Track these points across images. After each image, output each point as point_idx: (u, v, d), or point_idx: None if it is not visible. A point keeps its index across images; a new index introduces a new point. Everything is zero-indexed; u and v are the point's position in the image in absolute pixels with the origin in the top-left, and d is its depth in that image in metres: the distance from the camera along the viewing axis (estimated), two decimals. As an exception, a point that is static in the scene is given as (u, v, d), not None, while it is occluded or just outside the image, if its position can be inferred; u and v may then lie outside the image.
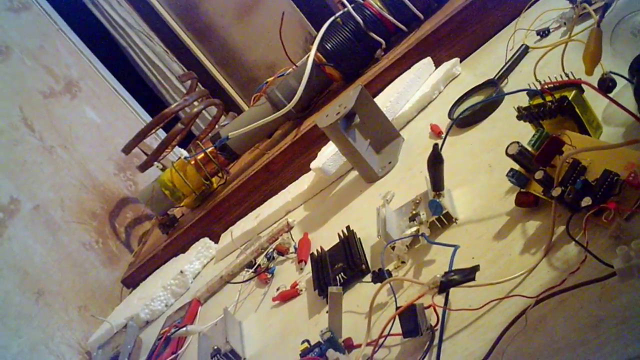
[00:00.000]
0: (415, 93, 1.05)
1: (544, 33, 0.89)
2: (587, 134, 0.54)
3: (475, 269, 0.48)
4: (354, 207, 0.90)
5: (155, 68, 2.98)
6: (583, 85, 0.54)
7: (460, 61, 1.09)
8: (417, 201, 0.69)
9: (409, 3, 1.17)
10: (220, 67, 2.91)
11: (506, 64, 0.87)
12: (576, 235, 0.44)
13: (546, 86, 0.56)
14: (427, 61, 1.10)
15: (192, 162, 1.27)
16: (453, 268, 0.50)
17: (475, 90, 0.89)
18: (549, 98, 0.55)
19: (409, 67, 1.12)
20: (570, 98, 0.53)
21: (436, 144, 0.62)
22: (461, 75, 1.05)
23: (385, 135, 0.96)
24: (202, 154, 1.27)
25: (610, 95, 0.50)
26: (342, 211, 0.92)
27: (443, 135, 0.86)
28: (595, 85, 0.51)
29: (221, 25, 2.88)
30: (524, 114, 0.58)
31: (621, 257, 0.37)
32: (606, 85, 0.51)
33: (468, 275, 0.48)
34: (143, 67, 3.01)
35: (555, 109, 0.54)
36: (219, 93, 2.89)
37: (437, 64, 1.10)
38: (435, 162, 0.62)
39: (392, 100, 1.02)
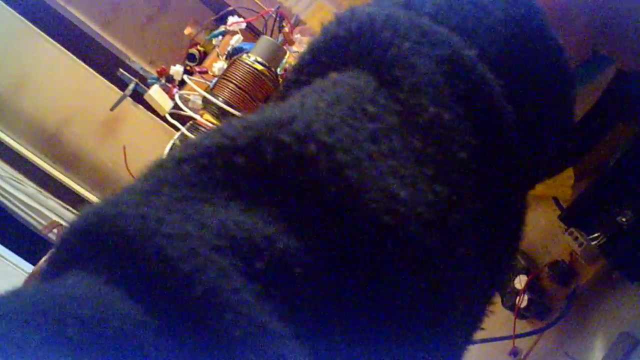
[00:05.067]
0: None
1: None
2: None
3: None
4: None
5: (31, 210, 2.92)
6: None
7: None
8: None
9: (234, 111, 1.26)
10: (97, 192, 2.90)
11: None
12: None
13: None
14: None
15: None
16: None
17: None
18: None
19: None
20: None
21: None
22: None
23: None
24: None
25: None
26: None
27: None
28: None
29: (87, 149, 2.88)
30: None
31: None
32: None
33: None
34: (19, 212, 2.94)
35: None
36: (102, 217, 2.87)
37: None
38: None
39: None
